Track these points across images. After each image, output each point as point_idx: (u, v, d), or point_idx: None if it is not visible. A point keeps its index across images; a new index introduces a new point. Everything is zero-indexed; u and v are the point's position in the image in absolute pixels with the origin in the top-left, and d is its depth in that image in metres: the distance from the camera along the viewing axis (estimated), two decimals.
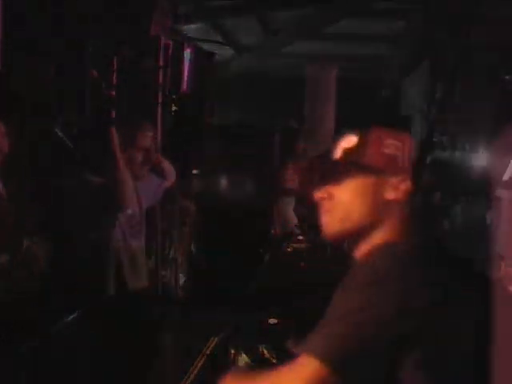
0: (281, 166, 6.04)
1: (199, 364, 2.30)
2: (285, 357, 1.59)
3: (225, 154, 7.08)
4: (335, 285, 1.52)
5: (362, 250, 1.60)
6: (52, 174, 3.32)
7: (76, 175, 3.21)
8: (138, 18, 4.31)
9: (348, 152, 1.62)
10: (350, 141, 1.63)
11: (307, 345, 1.44)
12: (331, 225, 1.62)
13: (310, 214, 4.44)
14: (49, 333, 2.80)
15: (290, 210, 5.56)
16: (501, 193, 3.12)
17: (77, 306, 2.95)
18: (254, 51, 7.84)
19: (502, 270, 2.79)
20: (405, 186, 1.59)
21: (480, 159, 5.94)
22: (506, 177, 3.09)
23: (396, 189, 1.59)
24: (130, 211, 3.32)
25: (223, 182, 7.20)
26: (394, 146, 1.60)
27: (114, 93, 3.69)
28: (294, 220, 5.32)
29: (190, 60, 5.42)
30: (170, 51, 4.96)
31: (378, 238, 1.58)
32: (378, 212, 1.59)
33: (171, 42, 4.97)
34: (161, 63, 4.80)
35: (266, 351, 2.03)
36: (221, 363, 2.17)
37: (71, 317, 2.91)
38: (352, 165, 1.59)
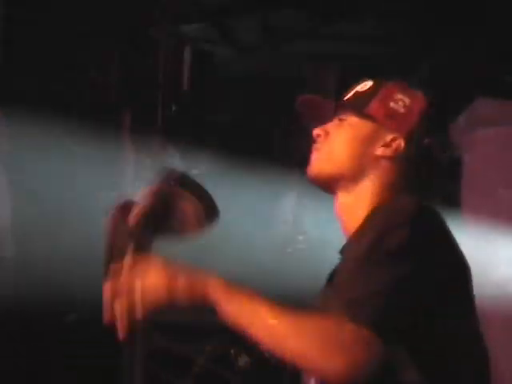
0: (281, 166, 6.01)
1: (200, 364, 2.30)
2: None
3: (224, 154, 7.06)
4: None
5: (355, 215, 1.53)
6: None
7: None
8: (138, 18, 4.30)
9: (357, 96, 1.60)
10: (364, 85, 1.62)
11: (351, 309, 1.33)
12: (316, 162, 1.59)
13: None
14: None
15: None
16: None
17: None
18: (254, 51, 7.81)
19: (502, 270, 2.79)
20: (396, 145, 1.55)
21: None
22: None
23: (387, 146, 1.55)
24: None
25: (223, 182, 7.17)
26: (402, 101, 1.56)
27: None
28: None
29: (190, 60, 5.41)
30: (170, 51, 4.94)
31: (366, 197, 1.52)
32: (363, 164, 1.54)
33: (171, 42, 4.96)
34: (161, 63, 4.80)
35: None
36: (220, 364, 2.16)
37: None
38: (355, 109, 1.57)
